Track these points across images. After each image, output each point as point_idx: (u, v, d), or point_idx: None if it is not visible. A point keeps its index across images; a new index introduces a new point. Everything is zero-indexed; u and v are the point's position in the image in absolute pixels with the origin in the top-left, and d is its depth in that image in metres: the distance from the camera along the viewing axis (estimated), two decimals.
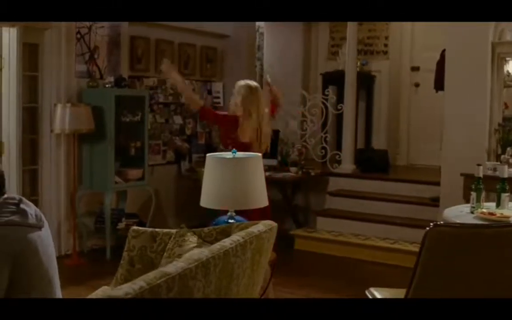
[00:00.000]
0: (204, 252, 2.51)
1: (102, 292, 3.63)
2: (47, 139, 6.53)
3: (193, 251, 2.57)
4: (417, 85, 9.23)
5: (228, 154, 3.96)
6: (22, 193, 6.23)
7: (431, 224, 3.05)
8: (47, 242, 2.98)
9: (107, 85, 6.60)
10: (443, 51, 7.09)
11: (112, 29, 6.99)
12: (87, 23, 6.73)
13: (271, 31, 9.72)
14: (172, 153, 8.04)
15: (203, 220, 7.41)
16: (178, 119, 8.10)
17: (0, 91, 6.20)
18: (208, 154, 3.99)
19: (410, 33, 9.23)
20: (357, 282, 5.64)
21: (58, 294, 2.91)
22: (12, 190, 6.26)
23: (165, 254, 3.48)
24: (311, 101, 8.36)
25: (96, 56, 6.83)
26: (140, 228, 3.77)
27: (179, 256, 3.31)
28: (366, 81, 9.22)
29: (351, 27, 8.07)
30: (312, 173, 7.72)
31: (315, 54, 9.96)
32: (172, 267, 2.27)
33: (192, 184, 8.16)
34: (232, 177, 3.85)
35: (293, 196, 8.13)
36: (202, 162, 8.30)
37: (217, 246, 2.64)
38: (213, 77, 8.69)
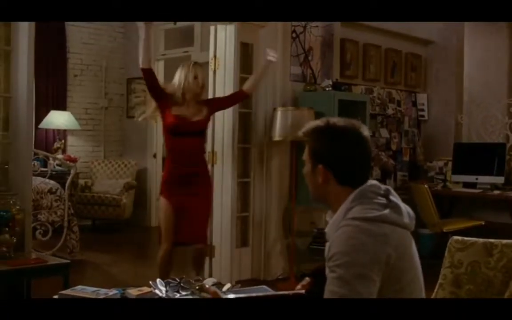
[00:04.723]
0: None
1: None
2: (261, 148, 5.89)
3: None
4: None
5: None
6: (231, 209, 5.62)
7: None
8: (415, 249, 2.22)
9: (327, 88, 5.87)
10: None
11: (325, 29, 6.29)
12: (302, 22, 6.07)
13: (470, 36, 8.73)
14: (378, 170, 7.21)
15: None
16: (384, 133, 7.28)
17: (214, 96, 5.62)
18: None
19: None
20: None
21: None
22: (226, 205, 5.64)
23: None
24: None
25: (310, 58, 6.15)
26: (466, 238, 2.92)
27: None
28: None
29: None
30: None
31: None
32: None
33: None
34: None
35: None
36: (407, 182, 7.50)
37: None
38: (417, 87, 7.81)
